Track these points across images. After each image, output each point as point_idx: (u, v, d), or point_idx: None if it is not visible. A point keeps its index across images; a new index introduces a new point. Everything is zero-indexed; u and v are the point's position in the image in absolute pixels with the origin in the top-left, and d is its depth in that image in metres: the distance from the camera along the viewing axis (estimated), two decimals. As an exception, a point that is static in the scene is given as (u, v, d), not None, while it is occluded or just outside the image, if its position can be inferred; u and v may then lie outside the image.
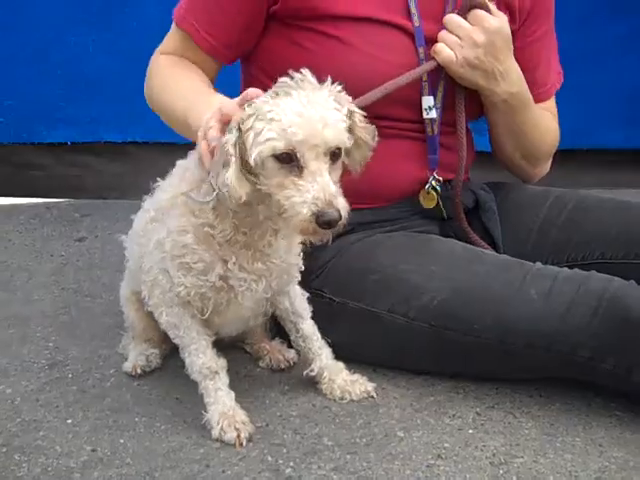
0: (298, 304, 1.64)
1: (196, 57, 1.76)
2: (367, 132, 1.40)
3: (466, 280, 1.63)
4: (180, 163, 1.49)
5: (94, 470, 1.41)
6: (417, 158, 1.79)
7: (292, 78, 1.34)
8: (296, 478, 1.40)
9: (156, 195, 1.53)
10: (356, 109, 1.40)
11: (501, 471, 1.43)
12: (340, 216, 1.29)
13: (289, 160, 1.29)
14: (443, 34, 1.72)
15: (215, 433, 1.50)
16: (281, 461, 1.45)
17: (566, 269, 1.63)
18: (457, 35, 1.71)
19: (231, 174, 1.30)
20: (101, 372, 1.76)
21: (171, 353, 1.74)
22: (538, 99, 1.94)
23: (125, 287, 1.72)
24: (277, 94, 1.31)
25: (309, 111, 1.28)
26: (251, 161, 1.31)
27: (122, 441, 1.50)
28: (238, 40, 1.76)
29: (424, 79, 1.74)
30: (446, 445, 1.51)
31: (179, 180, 1.45)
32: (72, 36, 2.93)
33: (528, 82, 1.88)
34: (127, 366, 1.74)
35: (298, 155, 1.29)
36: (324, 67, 1.64)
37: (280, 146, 1.28)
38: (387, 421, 1.59)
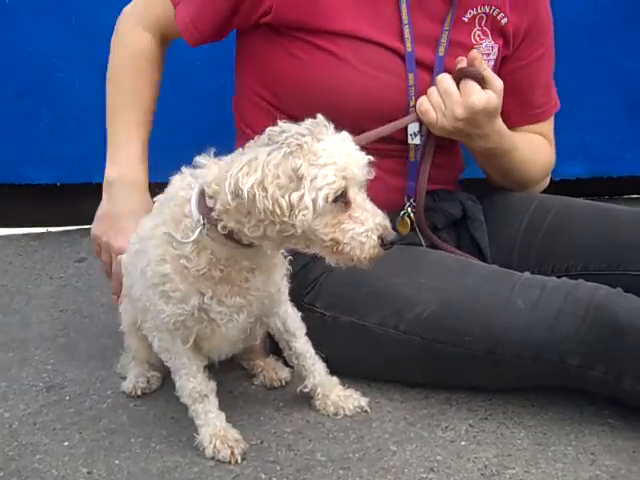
0: (290, 324, 1.65)
1: (169, 29, 1.84)
2: None
3: (454, 292, 1.65)
4: (158, 198, 1.51)
5: (89, 492, 1.43)
6: (400, 173, 1.82)
7: (282, 131, 1.35)
8: (289, 495, 1.42)
9: (139, 228, 1.55)
10: None
11: (493, 482, 1.45)
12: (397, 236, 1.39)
13: (334, 200, 1.33)
14: (431, 92, 1.73)
15: (209, 452, 1.52)
16: (274, 478, 1.47)
17: (554, 278, 1.64)
18: (443, 100, 1.72)
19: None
20: (98, 394, 1.78)
21: (168, 372, 1.74)
22: (534, 120, 1.98)
23: (127, 313, 1.73)
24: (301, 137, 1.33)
25: (350, 148, 1.35)
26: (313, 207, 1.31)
27: (117, 462, 1.52)
28: (211, 33, 1.81)
29: (412, 104, 1.76)
30: (438, 458, 1.52)
31: (158, 213, 1.48)
32: (58, 72, 2.83)
33: (524, 103, 1.93)
34: (127, 386, 1.75)
35: (346, 193, 1.34)
36: (318, 79, 1.69)
37: (338, 185, 1.32)
38: (380, 435, 1.60)
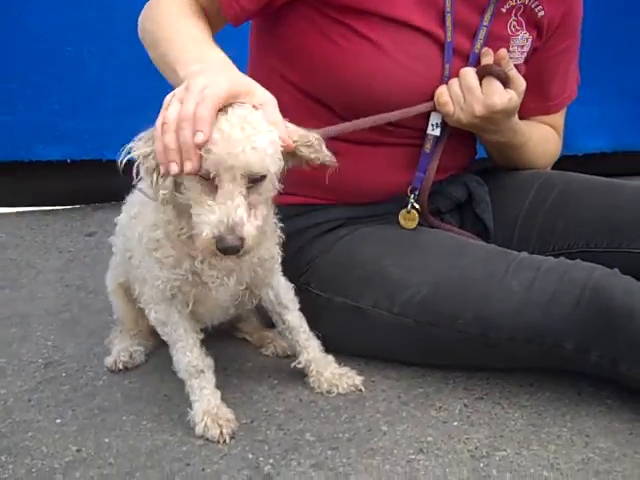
0: (283, 295, 1.63)
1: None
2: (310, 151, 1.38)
3: (448, 274, 1.62)
4: None
5: (76, 471, 1.43)
6: (410, 166, 1.76)
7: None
8: (274, 475, 1.41)
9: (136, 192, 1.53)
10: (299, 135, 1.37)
11: (482, 464, 1.42)
12: (241, 245, 1.27)
13: (207, 177, 1.27)
14: (452, 84, 1.68)
15: (199, 430, 1.51)
16: (261, 458, 1.46)
17: (551, 258, 1.61)
18: (464, 94, 1.67)
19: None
20: (94, 370, 1.78)
21: (164, 350, 1.74)
22: (548, 111, 1.94)
23: (110, 279, 1.74)
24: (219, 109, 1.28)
25: (235, 131, 1.26)
26: None
27: (107, 440, 1.52)
28: (258, 10, 1.66)
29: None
30: (429, 439, 1.50)
31: None
32: (68, 47, 2.83)
33: (541, 94, 1.89)
34: (108, 361, 1.76)
35: (214, 174, 1.27)
36: (351, 66, 1.64)
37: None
38: (372, 415, 1.58)
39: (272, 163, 1.30)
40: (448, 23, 1.67)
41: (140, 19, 1.63)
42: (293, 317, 1.65)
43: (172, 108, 1.27)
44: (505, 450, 1.46)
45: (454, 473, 1.40)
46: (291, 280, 1.67)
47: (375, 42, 1.64)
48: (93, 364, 1.81)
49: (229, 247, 1.26)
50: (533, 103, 1.88)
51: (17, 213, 2.97)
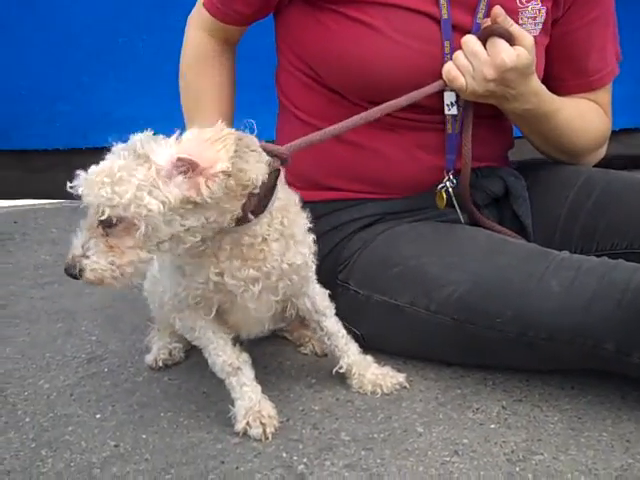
0: (319, 302, 1.63)
1: (222, 31, 1.82)
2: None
3: (486, 272, 1.60)
4: None
5: (113, 466, 1.45)
6: (441, 150, 1.75)
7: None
8: (308, 475, 1.41)
9: None
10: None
11: (517, 468, 1.40)
12: (75, 274, 1.35)
13: None
14: (458, 56, 1.65)
15: (239, 427, 1.52)
16: (295, 457, 1.46)
17: (593, 258, 1.57)
18: (470, 62, 1.65)
19: None
20: (135, 366, 1.81)
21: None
22: (588, 88, 1.87)
23: (150, 281, 1.76)
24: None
25: (93, 177, 1.30)
26: None
27: (145, 436, 1.54)
28: (253, 14, 1.78)
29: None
30: (465, 441, 1.49)
31: None
32: (122, 37, 2.95)
33: (577, 71, 1.83)
34: (149, 359, 1.78)
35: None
36: (349, 50, 1.65)
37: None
38: (409, 415, 1.57)
39: (113, 210, 1.28)
40: (442, 1, 1.65)
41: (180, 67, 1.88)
42: (331, 323, 1.65)
43: None
44: (542, 454, 1.44)
45: (489, 477, 1.38)
46: (330, 276, 1.68)
47: (370, 24, 1.64)
48: (134, 360, 1.84)
49: (66, 273, 1.36)
50: (573, 80, 1.84)
51: (70, 206, 3.03)
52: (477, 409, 1.59)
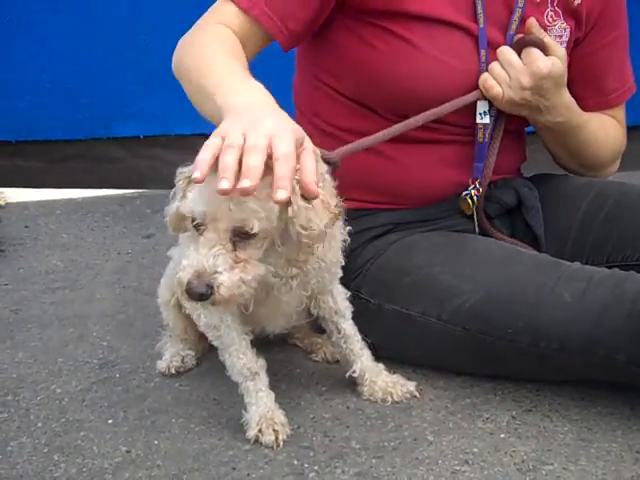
0: (341, 303, 1.64)
1: (256, 39, 1.63)
2: (299, 225, 1.30)
3: (498, 282, 1.60)
4: None
5: (125, 471, 1.46)
6: (461, 164, 1.76)
7: None
8: (318, 482, 1.42)
9: None
10: (298, 203, 1.28)
11: (528, 478, 1.41)
12: (206, 292, 1.27)
13: (198, 226, 1.31)
14: (493, 67, 1.69)
15: (251, 434, 1.53)
16: (306, 465, 1.47)
17: (604, 269, 1.58)
18: (507, 72, 1.67)
19: (172, 207, 1.35)
20: (147, 372, 1.82)
21: (213, 354, 1.76)
22: (606, 106, 1.90)
23: (163, 289, 1.77)
24: None
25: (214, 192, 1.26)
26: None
27: (156, 442, 1.55)
28: (305, 30, 1.67)
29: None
30: (475, 450, 1.49)
31: None
32: (142, 34, 3.07)
33: (596, 90, 1.86)
34: (162, 365, 1.79)
35: (201, 225, 1.30)
36: (388, 68, 1.66)
37: (187, 211, 1.31)
38: (419, 424, 1.58)
39: (257, 223, 1.27)
40: (480, 10, 1.67)
41: (175, 53, 1.65)
42: (348, 325, 1.66)
43: (233, 138, 1.21)
44: (552, 464, 1.44)
45: (499, 486, 1.39)
46: (344, 285, 1.68)
47: (410, 41, 1.65)
48: (146, 366, 1.85)
49: (193, 293, 1.27)
50: (592, 99, 1.86)
51: (78, 213, 3.05)
52: (487, 418, 1.59)
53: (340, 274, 1.61)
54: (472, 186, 1.77)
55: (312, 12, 1.64)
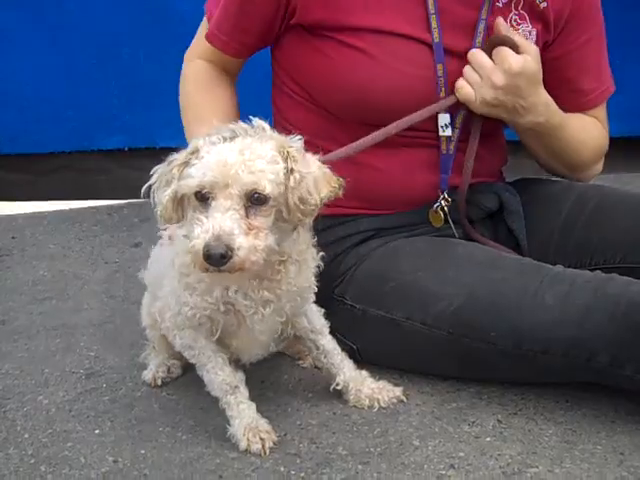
0: (316, 321, 1.65)
1: (223, 62, 1.83)
2: (298, 196, 1.35)
3: (481, 286, 1.61)
4: None
5: (112, 481, 1.47)
6: (433, 165, 1.77)
7: (252, 124, 1.37)
8: (305, 489, 1.43)
9: None
10: (300, 171, 1.36)
11: (513, 481, 1.42)
12: (226, 253, 1.27)
13: (205, 199, 1.32)
14: (466, 70, 1.69)
15: (243, 445, 1.53)
16: (293, 472, 1.47)
17: (587, 272, 1.60)
18: (478, 74, 1.68)
19: (167, 194, 1.35)
20: (134, 382, 1.82)
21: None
22: (584, 107, 1.90)
23: (145, 315, 1.76)
24: (224, 139, 1.34)
25: (234, 156, 1.30)
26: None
27: (143, 452, 1.56)
28: (255, 44, 1.81)
29: (442, 95, 1.71)
30: (461, 454, 1.50)
31: None
32: (125, 48, 3.09)
33: (572, 91, 1.86)
34: (147, 376, 1.79)
35: (210, 195, 1.31)
36: (345, 77, 1.68)
37: (193, 184, 1.31)
38: (405, 429, 1.59)
39: (269, 184, 1.31)
40: (434, 24, 1.68)
41: (180, 94, 1.87)
42: (327, 341, 1.66)
43: None
44: (537, 467, 1.45)
45: (484, 490, 1.40)
46: (326, 291, 1.69)
47: (365, 51, 1.67)
48: (133, 375, 1.85)
49: (213, 254, 1.27)
50: (569, 101, 1.86)
51: (66, 222, 3.05)
52: (473, 422, 1.60)
53: (312, 298, 1.61)
54: (441, 197, 1.77)
55: (263, 25, 1.74)
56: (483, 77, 1.67)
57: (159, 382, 1.77)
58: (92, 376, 1.86)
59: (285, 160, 1.35)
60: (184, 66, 1.89)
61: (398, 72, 1.68)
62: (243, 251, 1.29)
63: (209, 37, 1.79)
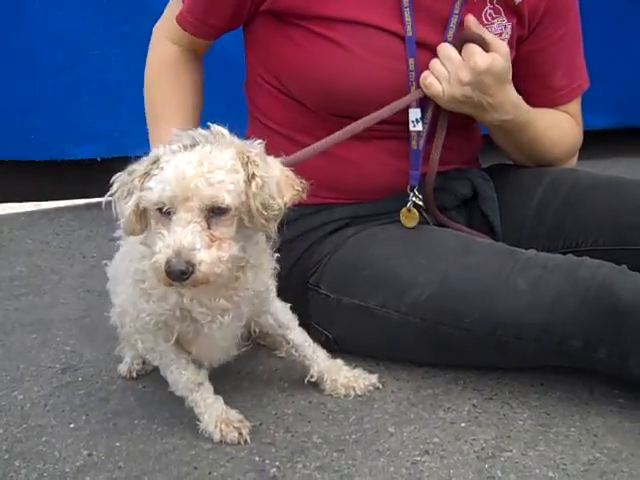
0: (282, 317, 1.64)
1: (191, 43, 1.82)
2: (260, 202, 1.34)
3: (454, 273, 1.62)
4: None
5: (86, 475, 1.46)
6: (403, 154, 1.76)
7: (210, 130, 1.36)
8: (280, 477, 1.42)
9: None
10: (262, 175, 1.34)
11: (487, 465, 1.42)
12: (187, 269, 1.26)
13: (165, 211, 1.31)
14: (433, 64, 1.68)
15: (216, 437, 1.52)
16: (268, 461, 1.47)
17: (558, 256, 1.60)
18: (446, 68, 1.67)
19: (130, 206, 1.33)
20: (110, 375, 1.81)
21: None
22: (557, 103, 1.90)
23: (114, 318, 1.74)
24: (185, 147, 1.32)
25: (190, 168, 1.28)
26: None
27: (118, 444, 1.55)
28: (225, 27, 1.80)
29: (412, 89, 1.71)
30: (435, 440, 1.51)
31: None
32: (94, 50, 2.94)
33: (545, 87, 1.86)
34: (123, 369, 1.78)
35: (170, 209, 1.30)
36: (316, 66, 1.67)
37: (154, 198, 1.30)
38: (380, 416, 1.59)
39: (228, 195, 1.30)
40: (407, 18, 1.67)
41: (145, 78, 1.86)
42: (296, 335, 1.66)
43: None
44: (511, 451, 1.46)
45: (458, 475, 1.40)
46: (301, 281, 1.70)
47: (336, 41, 1.66)
48: (109, 369, 1.84)
49: (173, 271, 1.26)
50: (541, 96, 1.86)
51: (44, 217, 3.03)
52: (448, 408, 1.60)
53: (274, 295, 1.60)
54: (411, 195, 1.75)
55: (234, 8, 1.73)
56: (450, 72, 1.66)
57: (134, 375, 1.77)
58: (68, 370, 1.85)
59: (245, 165, 1.33)
60: (153, 42, 1.87)
61: (370, 63, 1.67)
62: (205, 266, 1.28)
63: (180, 21, 1.78)
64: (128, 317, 1.52)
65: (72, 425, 1.63)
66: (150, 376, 1.79)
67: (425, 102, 1.72)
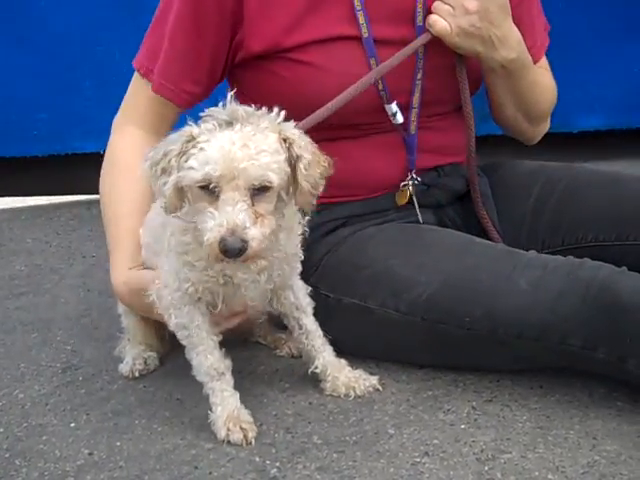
0: (302, 298, 1.65)
1: (164, 114, 1.80)
2: (308, 180, 1.40)
3: (455, 272, 1.63)
4: None
5: (87, 474, 1.46)
6: (397, 148, 1.78)
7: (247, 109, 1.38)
8: (280, 478, 1.43)
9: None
10: (304, 156, 1.39)
11: (486, 467, 1.42)
12: (242, 247, 1.32)
13: (209, 188, 1.34)
14: (436, 5, 1.70)
15: (222, 435, 1.53)
16: (268, 461, 1.48)
17: (559, 257, 1.61)
18: (449, 4, 1.68)
19: (170, 184, 1.36)
20: (110, 375, 1.82)
21: (177, 354, 1.77)
22: None
23: None
24: (220, 125, 1.35)
25: (236, 149, 1.32)
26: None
27: (119, 444, 1.55)
28: (206, 84, 1.80)
29: (380, 88, 1.73)
30: (435, 442, 1.51)
31: None
32: (99, 46, 2.99)
33: None
34: (125, 369, 1.78)
35: (216, 187, 1.33)
36: (299, 91, 1.71)
37: (198, 177, 1.33)
38: (380, 418, 1.59)
39: (275, 176, 1.35)
40: (361, 20, 1.69)
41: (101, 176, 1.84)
42: (309, 321, 1.67)
43: None
44: (510, 453, 1.46)
45: (458, 476, 1.41)
46: (303, 281, 1.69)
47: (311, 63, 1.70)
48: (110, 368, 1.85)
49: (230, 248, 1.32)
50: None
51: (44, 217, 3.04)
52: (448, 410, 1.61)
53: (299, 269, 1.63)
54: (409, 177, 1.79)
55: (213, 62, 1.75)
56: (455, 6, 1.68)
57: (136, 374, 1.77)
58: (68, 370, 1.86)
59: (287, 147, 1.39)
60: (112, 137, 1.84)
61: (339, 75, 1.69)
62: (256, 242, 1.34)
63: (157, 89, 1.77)
64: (167, 290, 1.52)
65: (73, 424, 1.63)
66: (151, 376, 1.80)
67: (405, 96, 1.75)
